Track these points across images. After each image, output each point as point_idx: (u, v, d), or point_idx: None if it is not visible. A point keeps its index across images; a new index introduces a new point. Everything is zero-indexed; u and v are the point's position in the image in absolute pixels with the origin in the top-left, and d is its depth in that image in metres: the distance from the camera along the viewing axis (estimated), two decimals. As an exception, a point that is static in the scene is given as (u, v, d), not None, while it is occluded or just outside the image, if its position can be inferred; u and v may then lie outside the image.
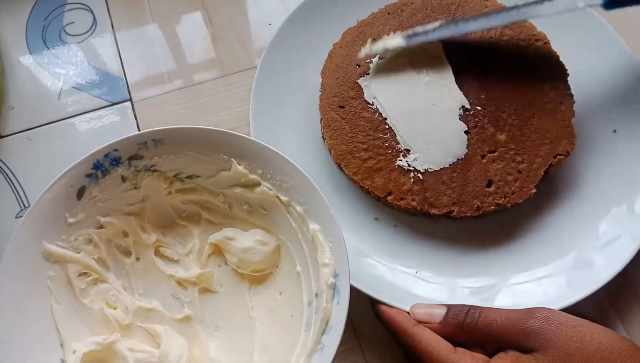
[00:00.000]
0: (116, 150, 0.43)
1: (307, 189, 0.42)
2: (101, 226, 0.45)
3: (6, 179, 0.54)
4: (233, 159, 0.44)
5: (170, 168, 0.46)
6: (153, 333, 0.45)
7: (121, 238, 0.46)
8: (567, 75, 0.51)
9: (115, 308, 0.45)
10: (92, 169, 0.43)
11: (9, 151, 0.55)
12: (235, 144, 0.44)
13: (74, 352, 0.41)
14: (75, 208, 0.43)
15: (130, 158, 0.44)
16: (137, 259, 0.47)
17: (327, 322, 0.39)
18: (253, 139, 0.44)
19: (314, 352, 0.39)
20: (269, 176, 0.44)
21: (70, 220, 0.43)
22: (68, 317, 0.42)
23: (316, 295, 0.41)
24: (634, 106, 0.53)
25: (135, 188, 0.46)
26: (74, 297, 0.43)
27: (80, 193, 0.43)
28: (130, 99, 0.58)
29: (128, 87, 0.59)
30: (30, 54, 0.60)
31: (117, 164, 0.44)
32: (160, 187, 0.46)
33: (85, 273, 0.44)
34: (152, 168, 0.45)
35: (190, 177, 0.46)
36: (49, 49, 0.60)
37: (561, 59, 0.51)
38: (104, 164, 0.43)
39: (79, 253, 0.44)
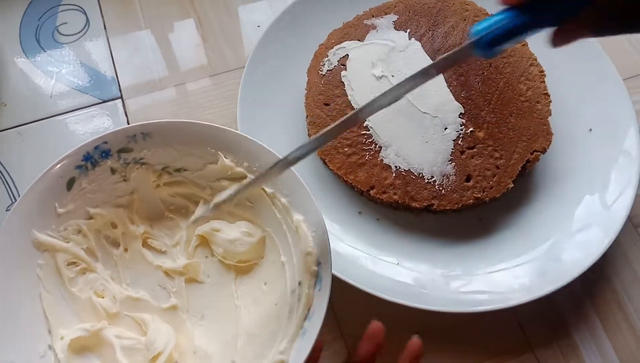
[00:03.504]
0: (106, 142, 0.44)
1: (291, 181, 0.43)
2: (90, 217, 0.45)
3: (-3, 173, 0.55)
4: (220, 153, 0.45)
5: (159, 161, 0.46)
6: (140, 321, 0.45)
7: (110, 229, 0.47)
8: (544, 75, 0.53)
9: (103, 297, 0.45)
10: (82, 160, 0.43)
11: (1, 146, 0.56)
12: (222, 137, 0.45)
13: (62, 338, 0.41)
14: (65, 199, 0.44)
15: (120, 151, 0.45)
16: (125, 250, 0.47)
17: (309, 308, 0.40)
18: (239, 133, 0.45)
19: (296, 336, 0.40)
20: (254, 169, 0.45)
21: (60, 210, 0.43)
22: (56, 305, 0.43)
23: (299, 283, 0.42)
24: (609, 106, 0.55)
25: (125, 180, 0.46)
26: (62, 286, 0.44)
27: (70, 184, 0.44)
28: (121, 97, 0.60)
29: (119, 85, 0.60)
30: (24, 52, 0.61)
31: (106, 156, 0.44)
32: (149, 180, 0.47)
33: (74, 263, 0.45)
34: (141, 161, 0.46)
35: (178, 170, 0.47)
36: (42, 48, 0.61)
37: (538, 60, 0.53)
38: (94, 156, 0.44)
39: (68, 242, 0.44)
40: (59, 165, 0.43)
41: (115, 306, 0.45)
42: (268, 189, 0.45)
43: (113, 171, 0.45)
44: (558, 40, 0.35)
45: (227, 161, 0.45)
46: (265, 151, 0.44)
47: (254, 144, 0.44)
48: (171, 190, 0.48)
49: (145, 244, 0.48)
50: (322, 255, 0.41)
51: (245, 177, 0.46)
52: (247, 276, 0.47)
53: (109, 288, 0.46)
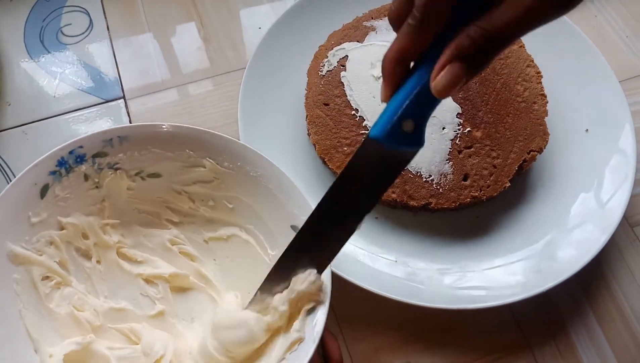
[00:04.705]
0: (81, 147, 0.42)
1: (274, 173, 0.44)
2: (62, 228, 0.44)
3: (1, 172, 0.56)
4: (209, 159, 0.45)
5: (133, 166, 0.45)
6: (128, 332, 0.44)
7: (81, 240, 0.45)
8: (541, 77, 0.54)
9: (83, 312, 0.43)
10: (56, 166, 0.42)
11: (5, 145, 0.57)
12: (202, 139, 0.44)
13: (50, 356, 0.39)
14: (39, 207, 0.42)
15: (95, 155, 0.43)
16: (98, 262, 0.46)
17: None
18: (218, 134, 0.44)
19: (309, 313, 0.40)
20: (235, 168, 0.45)
21: (34, 220, 0.41)
22: (37, 322, 0.41)
23: None
24: (606, 107, 0.56)
25: (97, 187, 0.45)
26: (40, 302, 0.42)
27: (44, 192, 0.42)
28: (124, 97, 0.60)
29: (122, 86, 0.61)
30: (28, 53, 0.62)
31: (81, 161, 0.43)
32: (122, 186, 0.46)
33: (48, 277, 0.43)
34: (115, 166, 0.45)
35: (152, 175, 0.46)
36: (46, 49, 0.62)
37: (535, 61, 0.54)
38: (68, 162, 0.42)
39: (41, 255, 0.42)
40: (33, 171, 0.41)
41: (98, 319, 0.44)
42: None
43: (86, 177, 0.44)
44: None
45: (208, 163, 0.45)
46: (245, 149, 0.44)
47: (234, 143, 0.44)
48: (144, 197, 0.47)
49: (119, 254, 0.47)
50: None
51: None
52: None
53: (88, 302, 0.44)
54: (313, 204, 0.42)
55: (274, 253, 0.45)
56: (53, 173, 0.42)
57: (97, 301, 0.44)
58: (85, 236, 0.45)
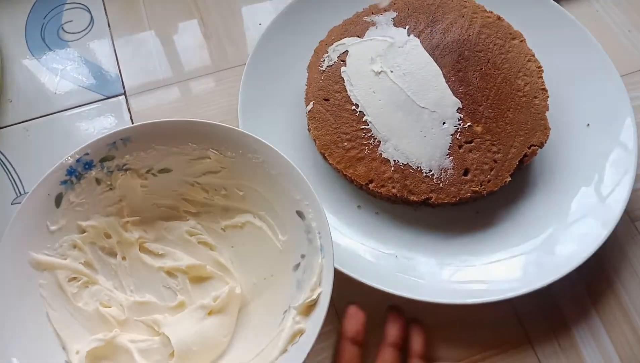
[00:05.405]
0: (87, 154, 0.44)
1: (275, 159, 0.44)
2: (83, 231, 0.45)
3: (3, 168, 0.56)
4: (213, 150, 0.45)
5: (142, 165, 0.46)
6: (151, 323, 0.46)
7: (104, 239, 0.47)
8: (542, 71, 0.53)
9: (109, 307, 0.45)
10: (66, 175, 0.44)
11: (7, 142, 0.57)
12: (202, 131, 0.45)
13: (77, 352, 0.41)
14: (55, 216, 0.44)
15: (102, 160, 0.45)
16: (124, 258, 0.47)
17: (319, 274, 0.41)
18: (217, 123, 0.45)
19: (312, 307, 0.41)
20: (238, 156, 0.46)
21: (52, 228, 0.43)
22: (65, 321, 0.43)
23: (302, 256, 0.43)
24: (607, 102, 0.56)
25: (111, 188, 0.46)
26: (67, 302, 0.44)
27: (58, 201, 0.44)
28: (125, 93, 0.61)
29: (123, 83, 0.61)
30: (29, 50, 0.62)
31: (89, 167, 0.44)
32: (135, 185, 0.47)
33: (75, 278, 0.45)
34: (124, 167, 0.46)
35: (162, 171, 0.47)
36: (47, 46, 0.63)
37: (536, 56, 0.54)
38: (77, 169, 0.44)
39: (65, 259, 0.44)
40: (44, 183, 0.43)
41: (123, 313, 0.46)
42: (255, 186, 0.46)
43: (98, 181, 0.45)
44: None
45: (212, 153, 0.46)
46: (247, 137, 0.44)
47: (234, 132, 0.45)
48: (159, 191, 0.48)
49: (142, 249, 0.48)
50: (320, 226, 0.42)
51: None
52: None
53: (115, 297, 0.46)
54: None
55: (284, 239, 0.46)
56: (64, 182, 0.44)
57: (123, 296, 0.46)
58: (107, 236, 0.47)
